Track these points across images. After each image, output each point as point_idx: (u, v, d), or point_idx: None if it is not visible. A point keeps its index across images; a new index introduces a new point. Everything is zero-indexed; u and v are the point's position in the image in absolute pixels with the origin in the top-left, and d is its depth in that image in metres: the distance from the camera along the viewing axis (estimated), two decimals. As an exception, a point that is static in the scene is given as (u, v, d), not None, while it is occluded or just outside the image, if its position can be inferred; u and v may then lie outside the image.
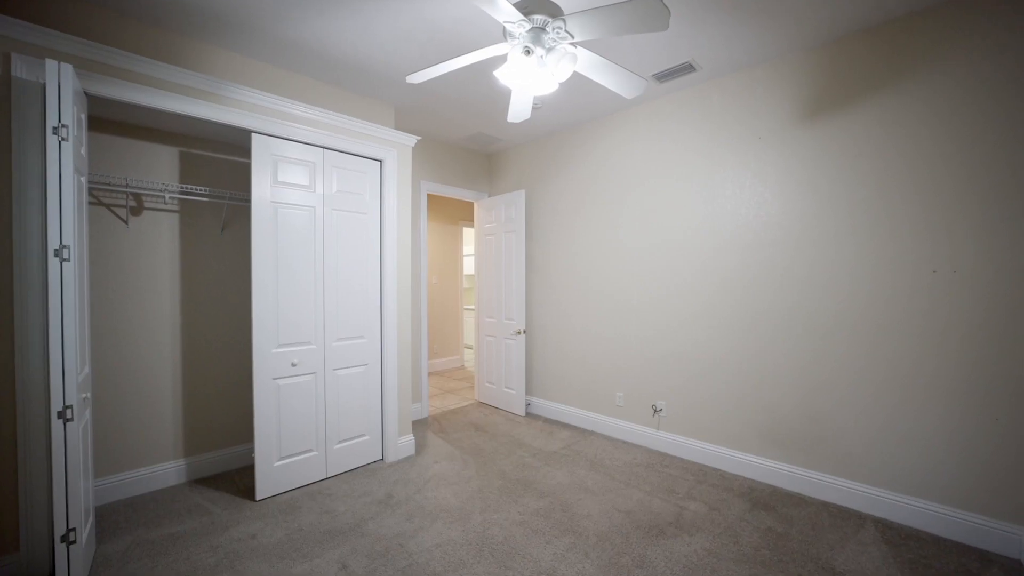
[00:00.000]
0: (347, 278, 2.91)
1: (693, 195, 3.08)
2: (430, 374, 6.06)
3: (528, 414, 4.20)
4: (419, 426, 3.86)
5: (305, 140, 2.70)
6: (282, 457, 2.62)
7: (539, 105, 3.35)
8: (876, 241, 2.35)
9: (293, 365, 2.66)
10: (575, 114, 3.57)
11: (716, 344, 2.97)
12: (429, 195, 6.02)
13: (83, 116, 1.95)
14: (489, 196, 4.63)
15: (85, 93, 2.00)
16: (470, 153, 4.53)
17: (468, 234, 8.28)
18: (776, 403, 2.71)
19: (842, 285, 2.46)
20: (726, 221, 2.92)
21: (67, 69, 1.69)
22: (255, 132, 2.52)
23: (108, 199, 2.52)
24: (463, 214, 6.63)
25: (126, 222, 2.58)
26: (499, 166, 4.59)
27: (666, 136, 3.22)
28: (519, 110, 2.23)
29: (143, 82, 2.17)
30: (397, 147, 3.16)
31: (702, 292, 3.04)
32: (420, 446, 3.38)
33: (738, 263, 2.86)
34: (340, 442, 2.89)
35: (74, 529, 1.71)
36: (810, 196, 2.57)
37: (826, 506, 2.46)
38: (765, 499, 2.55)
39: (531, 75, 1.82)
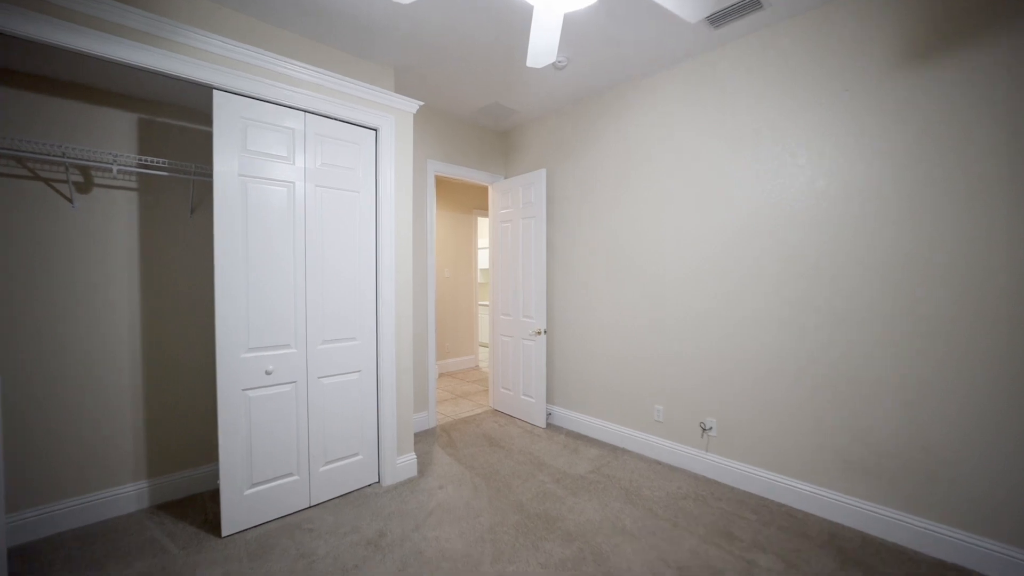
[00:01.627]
0: (335, 269, 2.44)
1: (756, 166, 2.50)
2: (441, 375, 5.61)
3: (549, 425, 3.69)
4: (425, 438, 3.40)
5: (283, 101, 2.23)
6: (254, 484, 2.18)
7: (563, 63, 2.81)
8: (1020, 214, 1.75)
9: (268, 373, 2.21)
10: (605, 75, 3.01)
11: (784, 349, 2.40)
12: (438, 177, 5.53)
13: (-22, 56, 1.51)
14: (505, 178, 4.11)
15: (-16, 28, 1.56)
16: (483, 130, 4.01)
17: (483, 224, 7.80)
18: (867, 426, 2.13)
19: (969, 274, 1.86)
20: (798, 196, 2.34)
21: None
22: (218, 89, 2.05)
23: (46, 172, 2.10)
24: (478, 202, 6.13)
25: (71, 200, 2.16)
26: (516, 144, 4.06)
27: (722, 96, 2.64)
28: (542, 46, 1.70)
29: (67, 18, 1.71)
30: (395, 113, 2.67)
31: (765, 282, 2.47)
32: (424, 465, 2.91)
33: (815, 246, 2.28)
34: (327, 464, 2.43)
35: (-53, 600, 1.28)
36: (917, 161, 1.97)
37: (942, 567, 1.88)
38: (855, 551, 1.98)
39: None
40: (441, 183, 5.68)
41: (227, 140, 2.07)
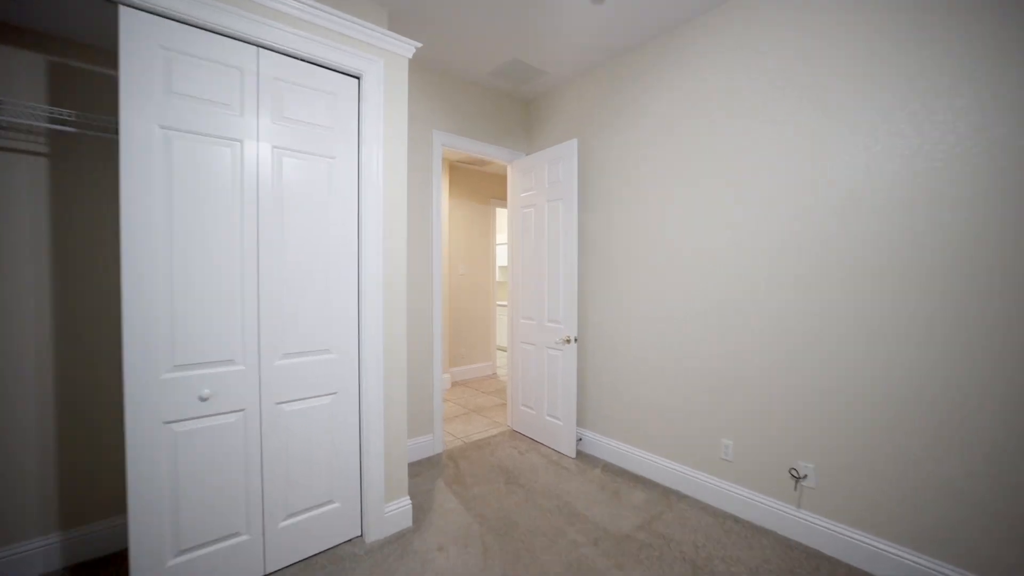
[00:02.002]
0: (301, 257, 1.84)
1: (855, 129, 1.77)
2: (455, 384, 4.99)
3: (579, 454, 3.02)
4: (427, 469, 2.78)
5: (223, 29, 1.63)
6: (182, 551, 1.59)
7: (606, -11, 2.13)
8: None
9: (203, 399, 1.61)
10: (654, 13, 2.31)
11: (921, 368, 1.67)
12: (451, 164, 4.91)
13: None
14: (527, 155, 3.45)
15: None
16: (502, 97, 3.37)
17: (503, 216, 7.18)
18: (1083, 500, 1.39)
19: None
20: (928, 166, 1.60)
21: None
22: (124, 4, 1.47)
23: (-90, 126, 1.56)
24: (496, 190, 5.49)
25: (-52, 166, 1.62)
26: (541, 114, 3.40)
27: (811, 38, 1.92)
28: None
29: None
30: (384, 55, 2.05)
31: (880, 279, 1.73)
32: (422, 511, 2.29)
33: (952, 221, 1.54)
34: (289, 517, 1.83)
35: None
36: None
37: None
38: None
39: None
40: (456, 170, 5.06)
41: (140, 77, 1.49)
